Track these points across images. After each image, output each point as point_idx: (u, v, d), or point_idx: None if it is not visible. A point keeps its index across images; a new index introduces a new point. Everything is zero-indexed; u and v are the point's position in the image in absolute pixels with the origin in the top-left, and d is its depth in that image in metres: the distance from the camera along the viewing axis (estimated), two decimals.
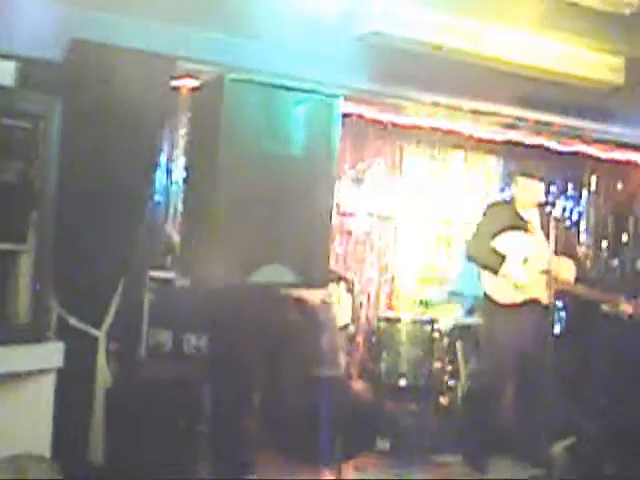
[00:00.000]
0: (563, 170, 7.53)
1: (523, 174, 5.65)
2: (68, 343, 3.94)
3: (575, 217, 7.72)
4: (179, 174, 5.66)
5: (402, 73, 5.50)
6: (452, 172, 7.04)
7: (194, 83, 5.01)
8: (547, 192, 6.59)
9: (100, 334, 4.47)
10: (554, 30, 4.91)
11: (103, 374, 4.48)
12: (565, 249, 5.45)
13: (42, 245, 3.81)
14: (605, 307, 6.11)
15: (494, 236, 5.50)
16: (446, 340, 6.27)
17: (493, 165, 7.24)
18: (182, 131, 5.64)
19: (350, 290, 5.92)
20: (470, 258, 5.66)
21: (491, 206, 5.86)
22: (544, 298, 5.31)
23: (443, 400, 6.27)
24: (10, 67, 4.34)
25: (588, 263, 7.61)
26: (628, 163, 7.77)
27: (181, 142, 5.66)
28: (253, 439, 5.07)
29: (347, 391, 5.66)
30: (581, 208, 7.75)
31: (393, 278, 6.73)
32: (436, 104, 6.15)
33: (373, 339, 6.36)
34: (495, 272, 5.42)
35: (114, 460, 4.43)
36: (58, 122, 3.86)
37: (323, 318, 5.47)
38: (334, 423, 5.06)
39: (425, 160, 6.91)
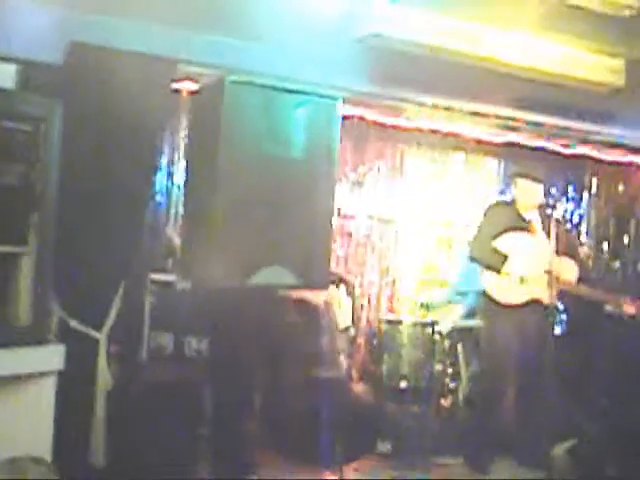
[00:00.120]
0: (564, 172, 7.54)
1: (523, 176, 5.66)
2: (69, 345, 3.93)
3: (576, 219, 7.73)
4: (180, 176, 5.67)
5: (402, 75, 5.50)
6: (452, 174, 7.05)
7: (194, 86, 5.01)
8: (548, 194, 6.60)
9: (101, 336, 4.47)
10: (554, 32, 4.91)
11: (104, 377, 4.48)
12: (567, 250, 5.46)
13: (43, 247, 3.81)
14: (607, 308, 6.11)
15: (496, 236, 5.52)
16: (447, 342, 6.27)
17: (493, 167, 7.25)
18: (183, 134, 5.64)
19: (351, 292, 5.92)
20: (473, 259, 5.67)
21: (492, 207, 5.87)
22: (546, 298, 5.31)
23: (444, 402, 6.26)
24: (11, 70, 4.33)
25: (590, 264, 7.61)
26: (629, 165, 7.78)
27: (182, 145, 5.66)
28: (254, 441, 5.07)
29: (348, 393, 5.66)
30: (582, 210, 7.75)
31: (394, 280, 6.73)
32: (436, 106, 6.15)
33: (374, 341, 6.36)
34: (498, 272, 5.43)
35: (115, 462, 4.43)
36: (59, 125, 3.85)
37: (323, 320, 5.47)
38: (335, 425, 5.06)
39: (425, 162, 6.92)
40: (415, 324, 6.12)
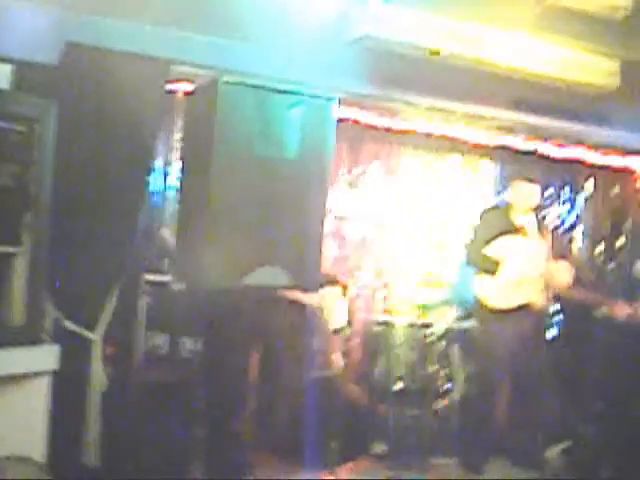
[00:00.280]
0: (559, 174, 7.53)
1: (519, 178, 5.67)
2: (63, 346, 3.92)
3: (571, 222, 7.73)
4: (174, 177, 5.66)
5: (398, 77, 5.50)
6: (448, 176, 7.05)
7: (189, 87, 5.01)
8: (543, 196, 6.60)
9: (95, 337, 4.47)
10: (549, 34, 4.93)
11: (98, 377, 4.48)
12: (561, 253, 5.47)
13: (37, 248, 3.80)
14: (602, 311, 6.12)
15: (491, 240, 5.52)
16: (442, 344, 6.27)
17: (489, 169, 7.24)
18: (177, 134, 5.64)
19: (345, 294, 5.92)
20: (469, 263, 5.68)
21: (488, 210, 5.88)
22: (540, 302, 5.32)
23: (439, 403, 6.26)
24: (5, 70, 4.34)
25: (584, 267, 7.61)
26: (624, 168, 7.77)
27: (176, 145, 5.66)
28: (249, 441, 5.07)
29: (342, 394, 5.66)
30: (577, 212, 7.75)
31: (388, 282, 6.73)
32: (432, 108, 6.15)
33: (368, 343, 6.36)
34: (492, 275, 5.43)
35: (109, 463, 4.43)
36: (53, 125, 3.85)
37: (316, 320, 5.48)
38: (329, 426, 5.06)
39: (421, 164, 6.92)
40: (410, 325, 6.13)
